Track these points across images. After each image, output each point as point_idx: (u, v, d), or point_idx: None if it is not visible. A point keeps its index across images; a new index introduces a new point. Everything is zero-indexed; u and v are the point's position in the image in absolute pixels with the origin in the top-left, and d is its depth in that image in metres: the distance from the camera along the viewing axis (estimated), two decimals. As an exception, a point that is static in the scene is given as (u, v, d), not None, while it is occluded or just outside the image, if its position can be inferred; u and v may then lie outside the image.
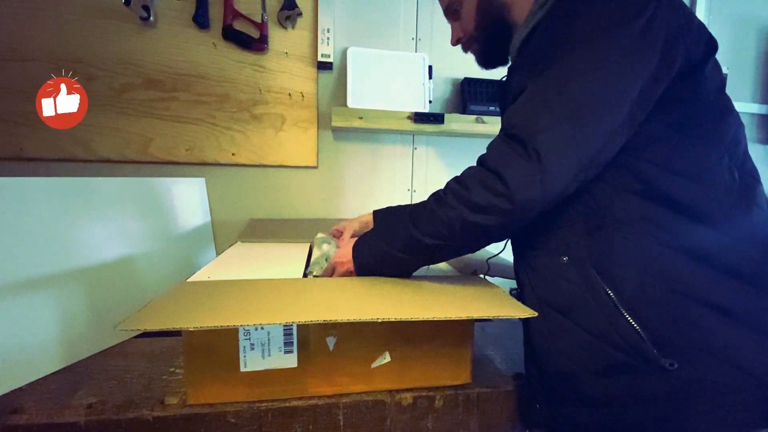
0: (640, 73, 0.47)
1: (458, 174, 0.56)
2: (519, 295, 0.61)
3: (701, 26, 0.51)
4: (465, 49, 0.73)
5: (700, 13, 1.34)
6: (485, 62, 0.72)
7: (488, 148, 0.53)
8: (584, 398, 0.50)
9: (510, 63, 0.68)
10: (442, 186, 0.57)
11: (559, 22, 0.52)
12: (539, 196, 0.48)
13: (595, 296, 0.49)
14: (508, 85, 0.64)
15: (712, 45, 0.51)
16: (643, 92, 0.47)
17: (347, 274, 0.65)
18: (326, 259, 0.69)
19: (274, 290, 0.57)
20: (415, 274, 0.66)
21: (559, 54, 0.49)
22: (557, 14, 0.53)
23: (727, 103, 0.53)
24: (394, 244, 0.59)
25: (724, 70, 1.30)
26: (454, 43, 0.73)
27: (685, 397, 0.45)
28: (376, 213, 0.68)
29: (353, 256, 0.64)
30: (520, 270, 0.61)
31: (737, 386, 0.43)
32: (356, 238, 0.66)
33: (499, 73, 0.72)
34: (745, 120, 1.43)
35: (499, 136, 0.53)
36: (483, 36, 0.67)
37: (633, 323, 0.46)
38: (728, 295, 0.45)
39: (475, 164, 0.54)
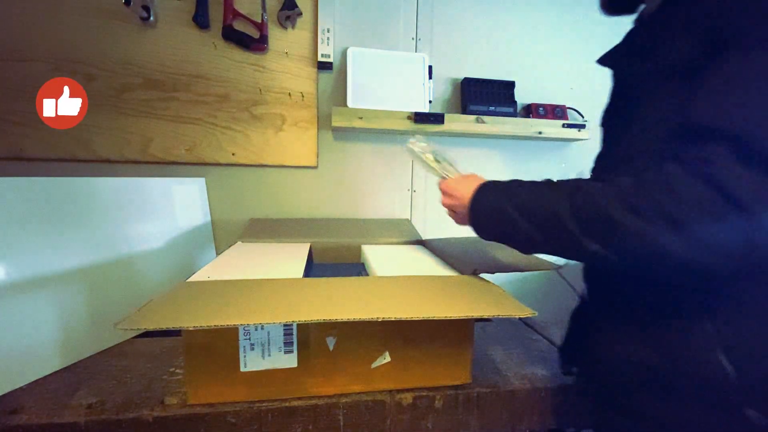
0: None
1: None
2: (588, 294, 0.56)
3: None
4: None
5: (700, 13, 1.34)
6: (611, 6, 0.57)
7: (681, 148, 0.38)
8: (633, 412, 0.47)
9: (640, 15, 0.54)
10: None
11: None
12: (708, 238, 0.36)
13: (697, 323, 0.43)
14: (643, 45, 0.49)
15: None
16: None
17: (457, 216, 0.57)
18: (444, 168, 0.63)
19: (274, 290, 0.57)
20: (415, 274, 0.66)
21: (762, 27, 0.36)
22: None
23: None
24: (528, 210, 0.47)
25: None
26: None
27: None
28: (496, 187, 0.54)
29: (472, 199, 0.53)
30: (594, 269, 0.54)
31: None
32: (477, 178, 0.55)
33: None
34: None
35: (687, 132, 0.39)
36: None
37: (727, 367, 0.41)
38: None
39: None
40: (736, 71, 0.37)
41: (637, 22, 0.53)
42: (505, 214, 0.49)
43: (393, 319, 0.48)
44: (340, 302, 0.52)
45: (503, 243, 0.53)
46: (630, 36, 0.53)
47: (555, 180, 0.49)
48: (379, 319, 0.47)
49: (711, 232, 0.36)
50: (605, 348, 0.51)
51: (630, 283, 0.48)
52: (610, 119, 0.57)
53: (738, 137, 0.36)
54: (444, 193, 0.60)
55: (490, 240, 0.54)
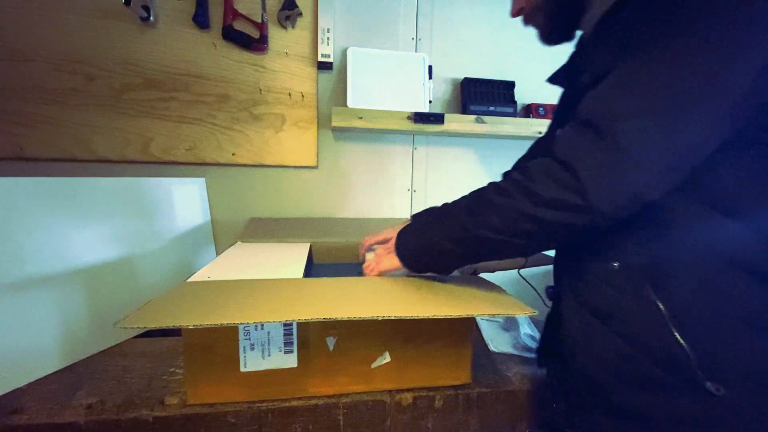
0: (749, 65, 0.39)
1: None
2: (556, 294, 0.59)
3: None
4: (526, 22, 0.64)
5: (700, 13, 1.34)
6: (550, 37, 0.63)
7: (558, 137, 0.47)
8: (613, 409, 0.48)
9: (579, 39, 0.60)
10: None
11: None
12: (616, 194, 0.42)
13: (643, 308, 0.45)
14: (581, 63, 0.56)
15: None
16: (752, 87, 0.40)
17: (391, 266, 0.62)
18: None
19: (274, 290, 0.57)
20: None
21: (655, 34, 0.42)
22: None
23: None
24: (445, 233, 0.54)
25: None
26: (515, 14, 0.64)
27: (729, 425, 0.42)
28: (417, 213, 0.63)
29: (396, 245, 0.60)
30: (561, 269, 0.58)
31: None
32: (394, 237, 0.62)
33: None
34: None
35: (571, 123, 0.46)
36: (552, 6, 0.59)
37: (680, 340, 0.43)
38: None
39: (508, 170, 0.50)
40: (617, 76, 0.44)
41: (578, 45, 0.60)
42: (423, 247, 0.58)
43: (393, 318, 0.48)
44: (340, 302, 0.52)
45: (430, 269, 0.61)
46: (572, 57, 0.61)
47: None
48: (380, 318, 0.47)
49: (552, 193, 0.44)
50: (579, 346, 0.52)
51: (591, 278, 0.51)
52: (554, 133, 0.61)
53: (589, 121, 0.43)
54: (378, 258, 0.65)
55: (419, 271, 0.62)
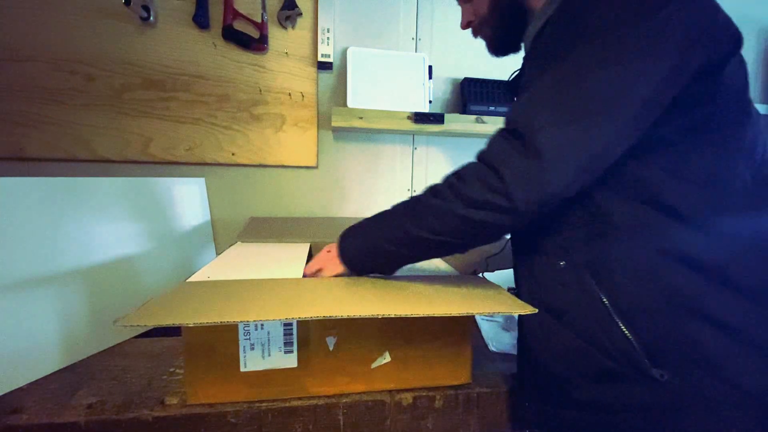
0: (652, 74, 0.44)
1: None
2: (516, 294, 0.61)
3: (726, 22, 0.47)
4: (475, 34, 0.69)
5: (700, 13, 1.34)
6: (496, 49, 0.68)
7: (487, 143, 0.51)
8: (574, 401, 0.50)
9: (524, 53, 0.65)
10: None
11: (572, 16, 0.49)
12: (536, 195, 0.46)
13: (590, 302, 0.48)
14: (521, 78, 0.61)
15: (735, 42, 0.47)
16: (654, 94, 0.44)
17: (335, 271, 0.63)
18: None
19: (274, 289, 0.57)
20: (414, 273, 0.66)
21: (569, 49, 0.47)
22: (571, 7, 0.50)
23: (747, 105, 0.50)
24: (386, 236, 0.57)
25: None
26: (464, 26, 0.68)
27: (675, 409, 0.44)
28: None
29: (340, 251, 0.62)
30: (518, 270, 0.61)
31: (732, 402, 0.43)
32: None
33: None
34: (745, 120, 1.44)
35: (499, 130, 0.51)
36: (496, 20, 0.63)
37: (626, 332, 0.46)
38: (725, 308, 0.44)
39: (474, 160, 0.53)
40: (537, 87, 0.48)
41: (523, 60, 0.65)
42: (366, 249, 0.60)
43: (393, 317, 0.48)
44: (340, 301, 0.52)
45: (373, 270, 0.63)
46: (522, 66, 0.66)
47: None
48: (379, 317, 0.47)
49: (481, 195, 0.48)
50: (539, 343, 0.55)
51: (543, 278, 0.55)
52: None
53: (514, 130, 0.48)
54: (319, 262, 0.66)
55: (363, 274, 0.63)
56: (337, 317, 0.47)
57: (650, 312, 0.46)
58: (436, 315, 0.49)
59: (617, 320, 0.46)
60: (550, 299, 0.53)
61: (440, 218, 0.52)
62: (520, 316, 0.57)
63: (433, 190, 0.54)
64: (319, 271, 0.65)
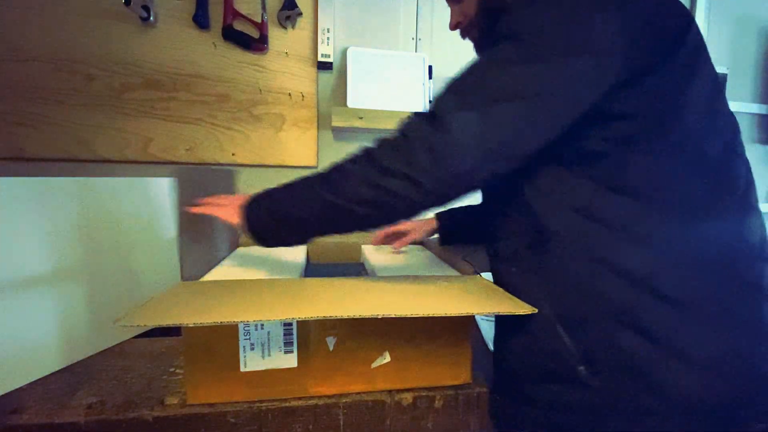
0: (574, 74, 0.45)
1: None
2: None
3: (663, 30, 0.46)
4: (464, 35, 0.69)
5: (700, 13, 1.34)
6: (483, 51, 0.67)
7: (410, 117, 0.52)
8: (525, 398, 0.53)
9: None
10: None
11: (509, 15, 0.51)
12: (442, 172, 0.47)
13: (537, 307, 0.50)
14: None
15: (670, 48, 0.46)
16: (574, 93, 0.45)
17: (228, 219, 0.62)
18: None
19: (274, 289, 0.57)
20: (415, 273, 0.66)
21: (497, 42, 0.49)
22: (514, 5, 0.51)
23: (693, 107, 0.48)
24: (296, 203, 0.56)
25: (724, 70, 1.30)
26: (453, 27, 0.68)
27: (603, 413, 0.46)
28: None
29: (246, 218, 0.59)
30: (492, 271, 0.63)
31: (656, 409, 0.44)
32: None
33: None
34: (745, 120, 1.44)
35: (424, 111, 0.52)
36: (485, 21, 0.63)
37: (565, 338, 0.48)
38: (652, 317, 0.45)
39: None
40: (458, 77, 0.50)
41: None
42: (277, 215, 0.58)
43: (393, 317, 0.48)
44: (340, 301, 0.52)
45: (283, 242, 0.61)
46: None
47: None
48: (379, 317, 0.47)
49: (393, 163, 0.49)
50: (500, 341, 0.58)
51: (501, 279, 0.58)
52: None
53: (433, 112, 0.49)
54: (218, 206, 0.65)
55: (271, 245, 0.61)
56: (337, 317, 0.47)
57: (585, 320, 0.47)
58: (436, 315, 0.49)
59: (558, 327, 0.49)
60: None
61: (354, 184, 0.51)
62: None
63: (350, 158, 0.53)
64: (215, 208, 0.64)
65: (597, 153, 0.48)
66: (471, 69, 0.50)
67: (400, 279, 0.63)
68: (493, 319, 0.73)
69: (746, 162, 0.51)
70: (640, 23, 0.45)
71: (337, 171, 0.54)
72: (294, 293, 0.55)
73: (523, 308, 0.51)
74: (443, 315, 0.49)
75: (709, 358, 0.44)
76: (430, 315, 0.49)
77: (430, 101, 1.17)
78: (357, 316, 0.47)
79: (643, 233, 0.47)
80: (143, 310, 0.47)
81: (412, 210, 0.52)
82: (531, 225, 0.52)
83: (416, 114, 0.51)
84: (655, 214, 0.47)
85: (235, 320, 0.45)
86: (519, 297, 0.53)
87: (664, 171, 0.47)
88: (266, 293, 0.55)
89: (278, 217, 0.58)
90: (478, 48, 0.68)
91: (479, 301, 0.54)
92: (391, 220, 0.56)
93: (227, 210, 0.63)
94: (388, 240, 0.91)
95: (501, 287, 0.58)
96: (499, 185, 0.55)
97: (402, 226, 0.89)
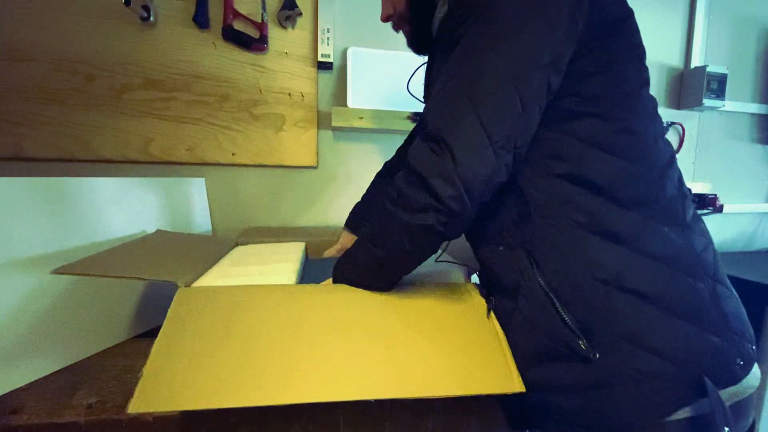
0: (528, 42, 0.45)
1: None
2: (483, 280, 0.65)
3: (606, 8, 0.48)
4: (396, 28, 0.68)
5: (700, 14, 1.34)
6: (416, 45, 0.69)
7: (412, 149, 0.52)
8: (529, 383, 0.51)
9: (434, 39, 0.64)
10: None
11: (459, 4, 0.51)
12: (460, 192, 0.47)
13: (530, 284, 0.49)
14: (431, 69, 0.62)
15: (622, 13, 0.49)
16: (551, 62, 0.46)
17: None
18: None
19: (271, 332, 0.54)
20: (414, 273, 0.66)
21: (461, 35, 0.49)
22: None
23: (642, 73, 0.51)
24: (363, 266, 0.60)
25: (724, 70, 1.30)
26: (384, 19, 0.67)
27: (605, 387, 0.45)
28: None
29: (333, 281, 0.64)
30: (476, 257, 0.63)
31: (654, 372, 0.43)
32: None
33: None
34: (744, 120, 1.44)
35: (420, 134, 0.52)
36: (413, 15, 0.63)
37: (562, 312, 0.47)
38: (644, 278, 0.45)
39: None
40: (439, 89, 0.50)
41: (430, 51, 0.67)
42: (356, 284, 0.61)
43: (389, 398, 0.48)
44: (336, 373, 0.50)
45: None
46: (431, 53, 0.68)
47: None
48: (372, 400, 0.47)
49: (418, 201, 0.50)
50: (504, 328, 0.56)
51: (490, 262, 0.57)
52: None
53: (428, 133, 0.50)
54: None
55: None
56: (335, 401, 0.46)
57: (579, 290, 0.46)
58: (438, 396, 0.49)
59: (554, 300, 0.47)
60: (503, 283, 0.54)
61: (395, 234, 0.53)
62: (493, 303, 0.58)
63: (385, 213, 0.55)
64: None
65: (575, 112, 0.49)
66: (451, 71, 0.49)
67: (389, 305, 0.60)
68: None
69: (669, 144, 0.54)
70: None
71: (379, 228, 0.56)
72: (290, 346, 0.52)
73: (511, 386, 0.50)
74: (445, 396, 0.48)
75: (692, 309, 0.44)
76: (433, 397, 0.49)
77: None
78: (356, 399, 0.47)
79: (631, 194, 0.47)
80: (143, 390, 0.46)
81: (450, 232, 0.53)
82: (515, 199, 0.52)
83: (419, 141, 0.51)
84: (641, 173, 0.47)
85: (231, 406, 0.45)
86: (508, 276, 0.53)
87: (641, 129, 0.49)
88: (263, 338, 0.52)
89: (355, 283, 0.62)
90: (412, 43, 0.68)
91: (470, 374, 0.52)
92: (439, 244, 0.56)
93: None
94: None
95: (488, 270, 0.58)
96: None
97: None
